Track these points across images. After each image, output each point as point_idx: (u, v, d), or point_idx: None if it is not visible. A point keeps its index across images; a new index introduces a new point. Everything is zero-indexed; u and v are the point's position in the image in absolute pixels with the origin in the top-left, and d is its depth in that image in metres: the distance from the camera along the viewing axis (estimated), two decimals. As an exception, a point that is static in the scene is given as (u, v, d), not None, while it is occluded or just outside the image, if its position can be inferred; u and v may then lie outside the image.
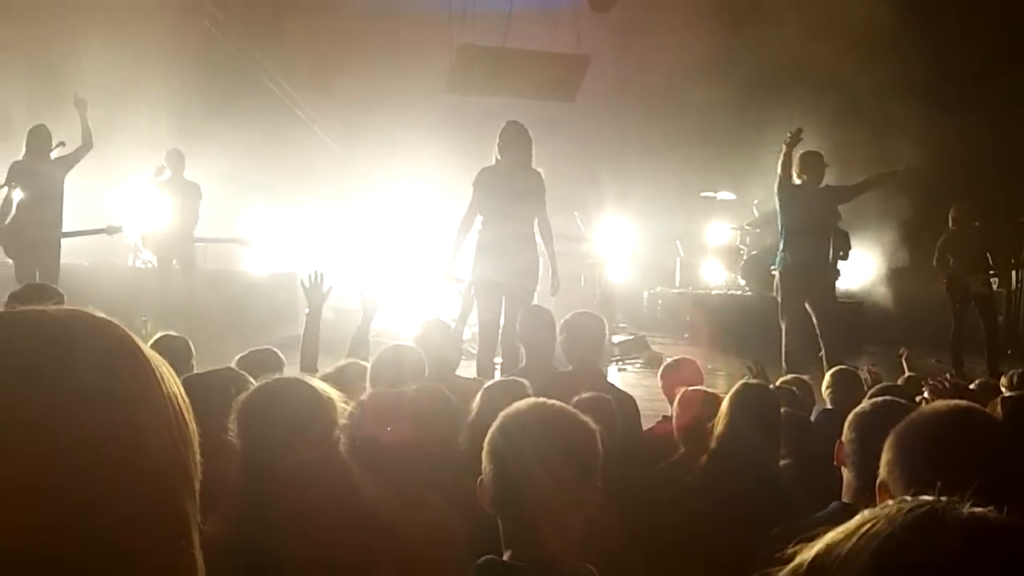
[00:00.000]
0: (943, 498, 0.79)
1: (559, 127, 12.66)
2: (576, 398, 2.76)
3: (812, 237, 8.01)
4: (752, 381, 3.33)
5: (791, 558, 0.81)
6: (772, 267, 13.41)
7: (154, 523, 0.79)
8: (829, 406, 4.57)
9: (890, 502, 0.80)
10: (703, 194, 14.97)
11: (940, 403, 1.94)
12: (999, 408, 2.93)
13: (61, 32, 11.95)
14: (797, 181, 7.94)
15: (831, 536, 0.79)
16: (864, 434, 2.32)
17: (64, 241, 9.19)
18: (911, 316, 12.28)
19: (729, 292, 13.79)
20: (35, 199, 8.80)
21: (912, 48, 11.53)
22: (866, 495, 2.02)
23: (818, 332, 7.93)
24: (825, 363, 7.22)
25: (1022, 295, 11.73)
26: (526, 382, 3.14)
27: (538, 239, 6.90)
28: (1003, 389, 4.61)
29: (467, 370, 6.60)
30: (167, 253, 10.38)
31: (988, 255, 9.68)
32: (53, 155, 8.98)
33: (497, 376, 5.69)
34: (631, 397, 4.41)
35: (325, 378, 2.91)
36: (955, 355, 9.53)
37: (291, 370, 4.42)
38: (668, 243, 15.02)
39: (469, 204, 6.74)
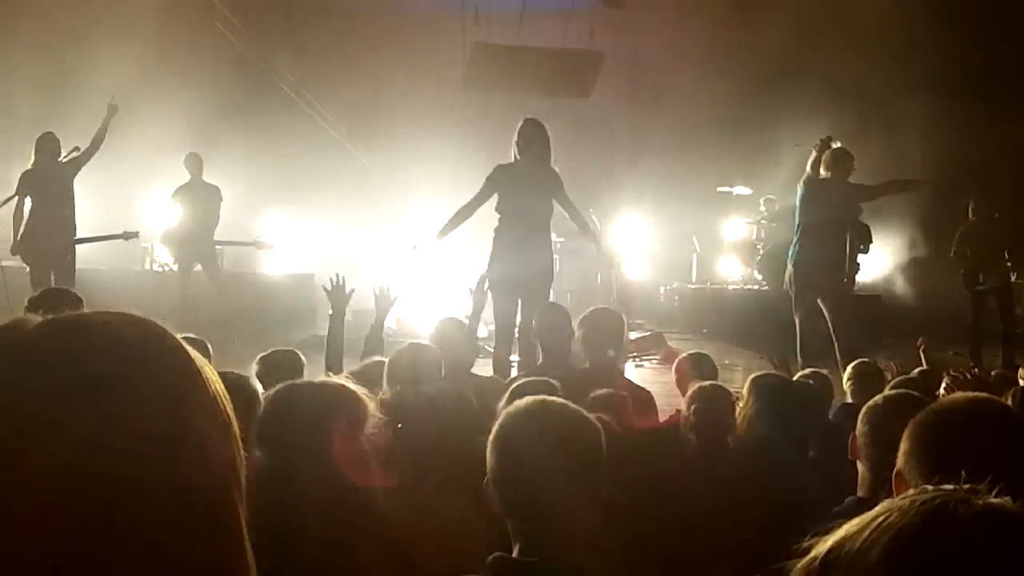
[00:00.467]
0: (957, 489, 0.79)
1: (574, 124, 12.68)
2: (592, 395, 2.76)
3: (827, 234, 7.97)
4: (774, 373, 3.32)
5: (807, 551, 0.81)
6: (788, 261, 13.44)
7: (210, 520, 0.80)
8: (849, 400, 4.54)
9: (909, 492, 0.80)
10: (719, 189, 14.93)
11: (959, 395, 1.94)
12: (1015, 397, 2.93)
13: (73, 36, 12.01)
14: (824, 174, 7.92)
15: (845, 529, 0.79)
16: (877, 427, 2.32)
17: (80, 246, 9.25)
18: (929, 309, 12.22)
19: (746, 287, 13.75)
20: (47, 204, 8.85)
21: (929, 41, 11.46)
22: (881, 489, 2.01)
23: (831, 328, 7.91)
24: (839, 359, 7.20)
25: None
26: (556, 382, 3.14)
27: (554, 236, 6.89)
28: (1020, 380, 4.58)
29: (483, 368, 6.62)
30: (188, 256, 10.44)
31: (1006, 247, 9.62)
32: (63, 159, 9.03)
33: (514, 374, 5.70)
34: (649, 393, 4.41)
35: (351, 376, 2.91)
36: (974, 347, 9.50)
37: (311, 370, 4.45)
38: (684, 239, 14.98)
39: (476, 195, 6.73)
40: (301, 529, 1.95)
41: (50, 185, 8.90)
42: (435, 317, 5.00)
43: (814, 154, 7.89)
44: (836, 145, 7.99)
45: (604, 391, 2.90)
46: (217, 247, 10.97)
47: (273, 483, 1.99)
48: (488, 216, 6.88)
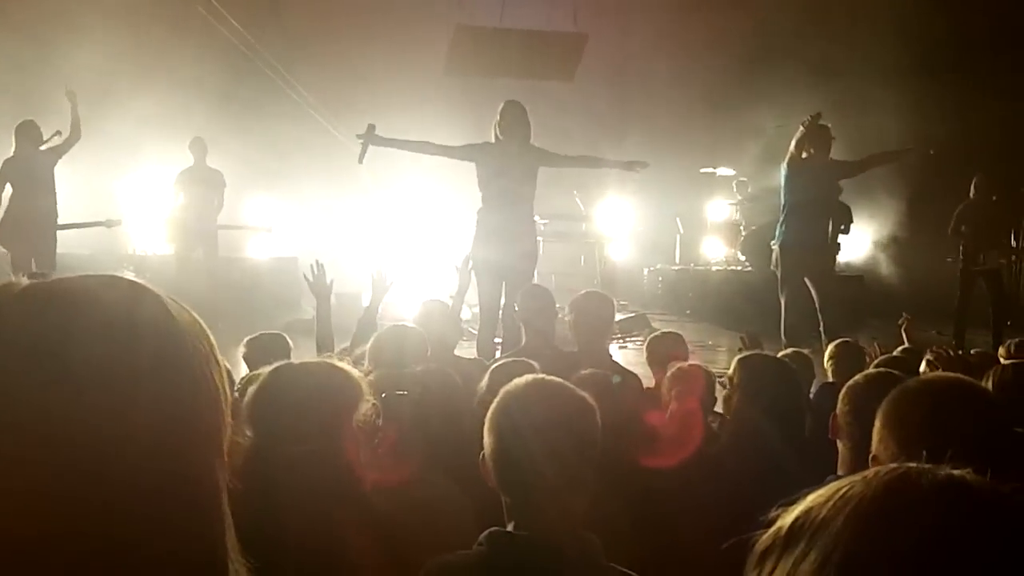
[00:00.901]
0: (920, 463, 0.81)
1: (557, 106, 12.67)
2: (577, 375, 2.79)
3: (813, 213, 8.02)
4: (756, 353, 3.33)
5: (772, 523, 0.83)
6: (772, 242, 13.51)
7: (188, 492, 0.80)
8: (831, 380, 4.58)
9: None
10: (702, 170, 14.98)
11: (930, 374, 1.98)
12: (995, 376, 2.95)
13: (53, 22, 11.89)
14: (804, 155, 7.94)
15: (810, 500, 0.81)
16: (858, 406, 2.33)
17: (65, 232, 9.25)
18: (912, 289, 12.31)
19: (729, 268, 13.81)
20: (28, 189, 8.89)
21: (909, 23, 11.49)
22: (860, 468, 2.04)
23: (818, 307, 7.94)
24: (824, 338, 7.24)
25: (1021, 267, 11.72)
26: (535, 363, 3.17)
27: (537, 218, 6.90)
28: (1001, 359, 4.64)
29: (467, 350, 6.65)
30: (189, 241, 10.43)
31: (1004, 228, 9.62)
32: (44, 147, 9.05)
33: (497, 356, 5.73)
34: (635, 375, 4.43)
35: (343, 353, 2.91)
36: (958, 327, 9.53)
37: (297, 354, 4.47)
38: (668, 220, 15.03)
39: (448, 145, 6.73)
40: (288, 511, 1.96)
41: (31, 172, 8.92)
42: (419, 300, 5.01)
43: (801, 131, 7.89)
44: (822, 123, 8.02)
45: (589, 371, 2.93)
46: (221, 231, 10.95)
47: (263, 464, 2.00)
48: (472, 197, 6.89)
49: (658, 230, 15.04)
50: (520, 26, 13.93)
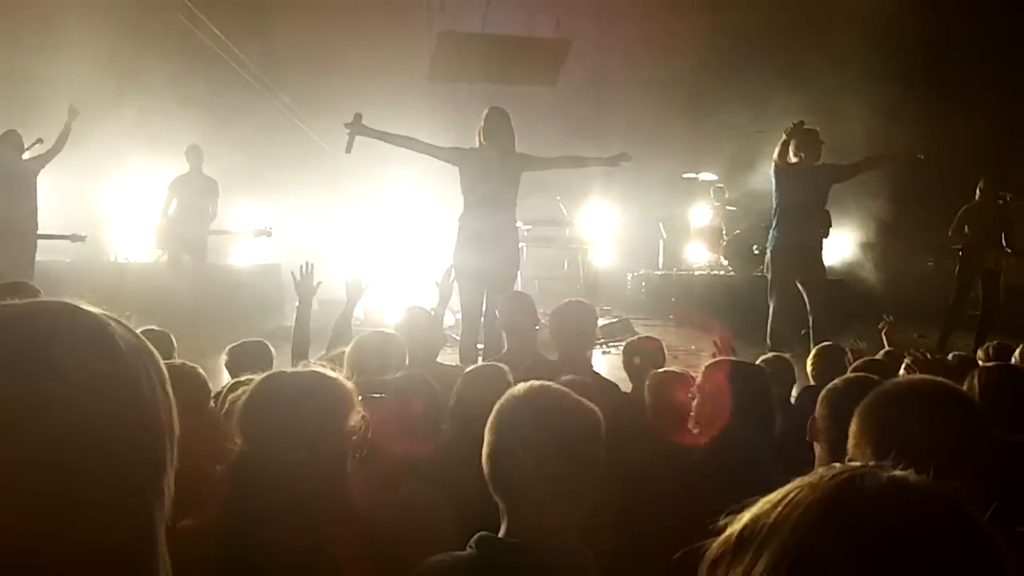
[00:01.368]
0: (865, 465, 0.82)
1: (541, 111, 12.69)
2: (556, 381, 2.78)
3: (805, 216, 7.97)
4: (728, 359, 3.35)
5: (723, 530, 0.84)
6: (755, 247, 13.58)
7: (115, 518, 0.80)
8: (813, 383, 4.60)
9: (819, 470, 0.83)
10: (685, 175, 15.03)
11: (905, 377, 1.99)
12: (980, 377, 2.97)
13: (31, 29, 11.83)
14: (793, 159, 7.90)
15: (759, 506, 0.82)
16: (835, 410, 2.33)
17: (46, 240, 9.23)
18: (894, 291, 12.36)
19: (712, 272, 13.85)
20: (8, 194, 8.88)
21: (890, 29, 11.56)
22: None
23: (808, 310, 7.92)
24: (812, 340, 7.23)
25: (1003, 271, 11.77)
26: (505, 367, 3.17)
27: (521, 224, 6.89)
28: (980, 362, 4.66)
29: (450, 357, 6.64)
30: (179, 248, 10.39)
31: (1004, 232, 9.58)
32: (26, 156, 9.06)
33: (480, 362, 5.73)
34: (615, 384, 4.44)
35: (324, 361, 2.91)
36: (946, 328, 9.49)
37: (280, 361, 4.46)
38: (651, 225, 15.08)
39: (433, 144, 6.72)
40: (277, 518, 1.96)
41: (11, 177, 8.93)
42: (402, 306, 5.01)
43: (784, 137, 7.87)
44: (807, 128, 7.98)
45: (568, 377, 2.93)
46: (218, 236, 10.93)
47: (253, 471, 2.00)
48: (454, 203, 6.89)
49: (641, 235, 15.09)
50: (503, 32, 13.97)
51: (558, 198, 12.98)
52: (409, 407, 2.70)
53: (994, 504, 0.87)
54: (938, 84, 12.00)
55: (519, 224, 7.03)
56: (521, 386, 2.06)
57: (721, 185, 14.55)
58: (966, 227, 9.50)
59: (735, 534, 0.82)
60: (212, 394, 3.17)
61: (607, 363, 9.27)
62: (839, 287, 12.49)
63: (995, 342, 5.14)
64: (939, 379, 1.90)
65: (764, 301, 8.32)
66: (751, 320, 9.69)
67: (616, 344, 10.51)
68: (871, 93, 11.37)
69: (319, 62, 14.47)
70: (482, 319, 6.54)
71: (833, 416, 2.34)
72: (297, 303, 4.80)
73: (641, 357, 4.52)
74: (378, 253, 12.85)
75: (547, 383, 2.10)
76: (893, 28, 11.45)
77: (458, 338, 6.85)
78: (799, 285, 7.98)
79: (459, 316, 7.11)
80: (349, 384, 2.15)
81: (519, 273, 7.13)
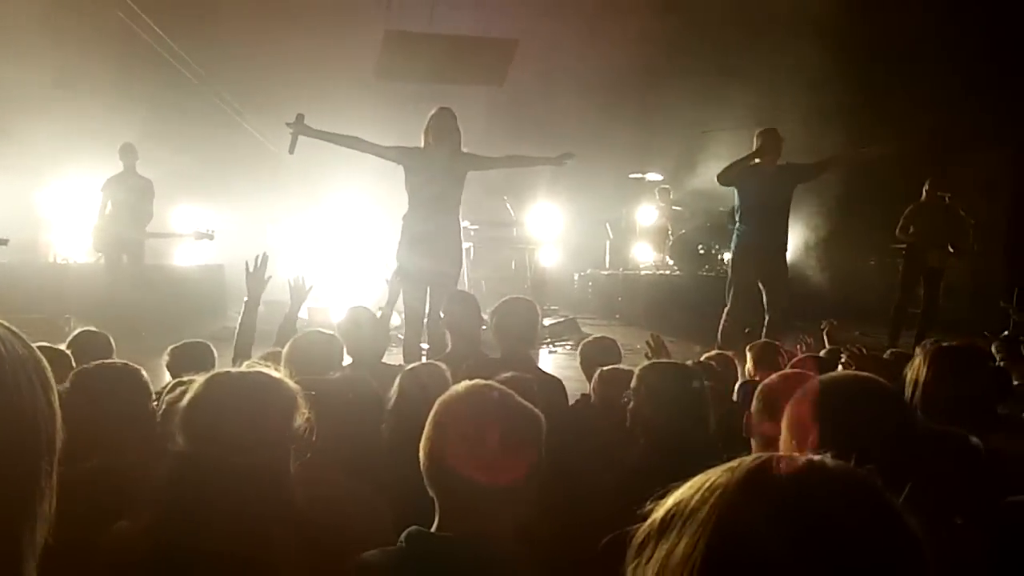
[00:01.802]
0: (782, 453, 0.85)
1: (488, 111, 12.71)
2: (497, 378, 2.79)
3: (768, 216, 7.98)
4: (656, 362, 3.40)
5: (647, 516, 0.86)
6: (700, 246, 13.73)
7: None
8: (750, 379, 4.67)
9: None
10: (631, 176, 15.14)
11: (834, 373, 2.03)
12: (928, 357, 3.05)
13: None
14: (755, 160, 7.89)
15: (680, 492, 0.85)
16: (770, 405, 2.37)
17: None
18: (837, 290, 12.58)
19: (658, 272, 13.98)
20: None
21: (839, 29, 11.71)
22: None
23: (766, 307, 7.95)
24: (764, 337, 7.26)
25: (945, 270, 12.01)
26: (443, 366, 3.18)
27: (468, 223, 6.90)
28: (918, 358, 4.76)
29: (396, 357, 6.62)
30: (117, 249, 10.20)
31: (950, 232, 9.65)
32: None
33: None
34: (558, 380, 4.46)
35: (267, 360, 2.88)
36: (894, 326, 9.62)
37: (223, 363, 4.41)
38: (598, 225, 15.16)
39: (378, 143, 6.69)
40: (219, 519, 1.95)
41: None
42: (346, 307, 4.99)
43: (745, 155, 7.89)
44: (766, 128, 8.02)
45: (508, 375, 2.94)
46: (157, 238, 10.77)
47: (195, 472, 1.98)
48: (400, 205, 6.87)
49: (588, 235, 15.17)
50: (450, 31, 13.96)
51: (505, 198, 13.01)
52: (349, 407, 2.69)
53: (909, 489, 0.90)
54: (880, 85, 12.20)
55: (466, 224, 7.04)
56: (463, 383, 2.07)
57: (667, 186, 14.69)
58: (911, 226, 9.68)
59: (658, 518, 0.85)
60: (153, 394, 3.13)
61: (553, 362, 9.31)
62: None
63: (933, 339, 5.27)
64: (865, 374, 1.95)
65: (709, 300, 8.39)
66: (696, 319, 9.80)
67: (563, 343, 10.57)
68: (812, 94, 11.54)
69: (263, 60, 14.31)
70: (426, 319, 6.54)
71: (767, 411, 2.38)
72: (245, 298, 4.74)
73: (597, 356, 4.55)
74: (324, 253, 12.76)
75: (489, 382, 2.11)
76: (834, 30, 11.62)
77: (403, 338, 6.84)
78: (760, 285, 8.02)
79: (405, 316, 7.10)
80: (293, 384, 2.14)
81: (466, 273, 7.14)
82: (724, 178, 8.02)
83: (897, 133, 11.17)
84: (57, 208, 12.28)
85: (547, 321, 10.81)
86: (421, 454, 1.96)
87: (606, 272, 14.64)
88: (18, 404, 0.81)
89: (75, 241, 11.75)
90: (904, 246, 9.82)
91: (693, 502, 0.83)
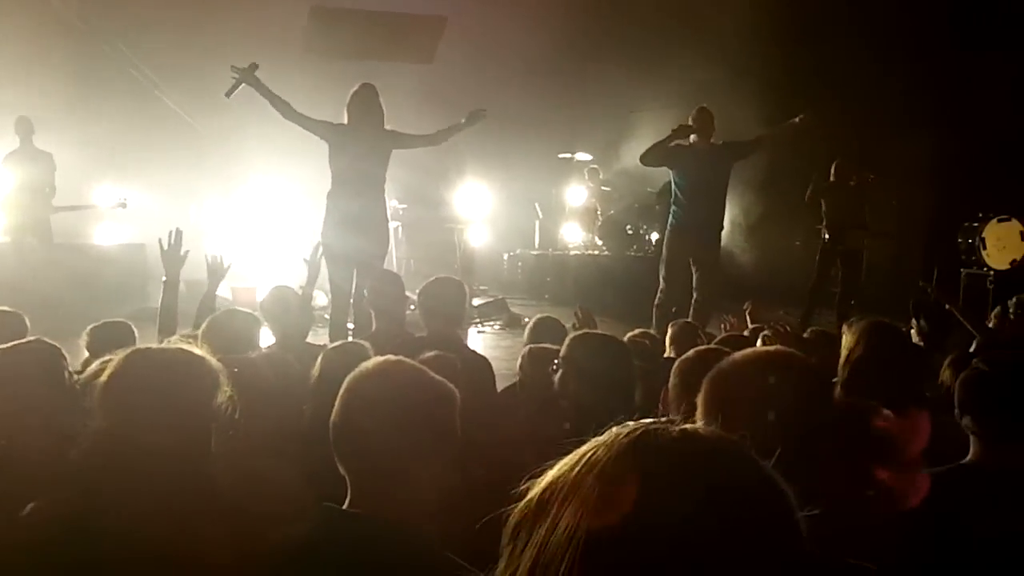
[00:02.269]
0: (657, 422, 0.85)
1: (417, 89, 12.59)
2: (420, 358, 2.79)
3: (703, 195, 8.01)
4: (585, 332, 3.43)
5: (525, 495, 0.85)
6: (628, 227, 13.85)
7: None
8: (669, 356, 4.74)
9: (612, 429, 0.86)
10: (560, 155, 15.18)
11: (750, 349, 2.06)
12: (859, 330, 3.13)
13: None
14: (676, 141, 7.89)
15: (557, 468, 0.84)
16: (685, 380, 2.40)
17: None
18: (762, 270, 12.77)
19: (587, 252, 14.06)
20: None
21: (773, 12, 11.83)
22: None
23: (695, 287, 8.01)
24: (692, 316, 7.33)
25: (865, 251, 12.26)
26: (367, 344, 3.16)
27: (395, 202, 6.86)
28: (844, 336, 4.87)
29: (322, 337, 6.57)
30: (21, 228, 9.86)
31: (863, 213, 9.83)
32: None
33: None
34: (485, 359, 4.47)
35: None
36: (809, 306, 9.74)
37: (143, 343, 4.32)
38: (527, 205, 15.18)
39: (307, 116, 6.62)
40: (136, 499, 1.91)
41: None
42: (270, 285, 4.92)
43: (670, 134, 7.88)
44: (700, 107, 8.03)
45: (432, 354, 2.94)
46: (63, 212, 10.43)
47: (114, 450, 1.94)
48: (324, 181, 6.79)
49: (517, 215, 15.17)
50: (378, 7, 13.80)
51: (434, 177, 12.94)
52: (271, 385, 2.67)
53: (779, 453, 0.91)
54: (805, 67, 12.37)
55: (394, 203, 6.99)
56: (373, 360, 2.05)
57: (596, 166, 14.77)
58: (823, 206, 9.85)
59: (535, 498, 0.83)
60: (69, 371, 3.05)
61: (482, 342, 9.33)
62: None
63: (858, 317, 5.38)
64: (781, 348, 1.99)
65: (637, 281, 8.44)
66: (625, 299, 9.87)
67: (491, 323, 10.59)
68: (736, 76, 11.67)
69: (184, 32, 13.96)
70: (351, 299, 6.49)
71: (683, 386, 2.41)
72: (164, 278, 4.65)
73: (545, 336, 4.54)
74: (248, 232, 12.55)
75: (400, 358, 2.08)
76: (759, 10, 11.75)
77: (328, 317, 6.78)
78: (691, 263, 8.06)
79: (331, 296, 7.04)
80: (216, 362, 2.11)
81: (393, 253, 7.10)
82: (647, 159, 8.05)
83: (819, 114, 11.37)
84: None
85: (476, 301, 10.82)
86: (331, 430, 1.94)
87: (535, 252, 14.67)
88: None
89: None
90: (821, 228, 10.00)
91: (572, 479, 0.81)
